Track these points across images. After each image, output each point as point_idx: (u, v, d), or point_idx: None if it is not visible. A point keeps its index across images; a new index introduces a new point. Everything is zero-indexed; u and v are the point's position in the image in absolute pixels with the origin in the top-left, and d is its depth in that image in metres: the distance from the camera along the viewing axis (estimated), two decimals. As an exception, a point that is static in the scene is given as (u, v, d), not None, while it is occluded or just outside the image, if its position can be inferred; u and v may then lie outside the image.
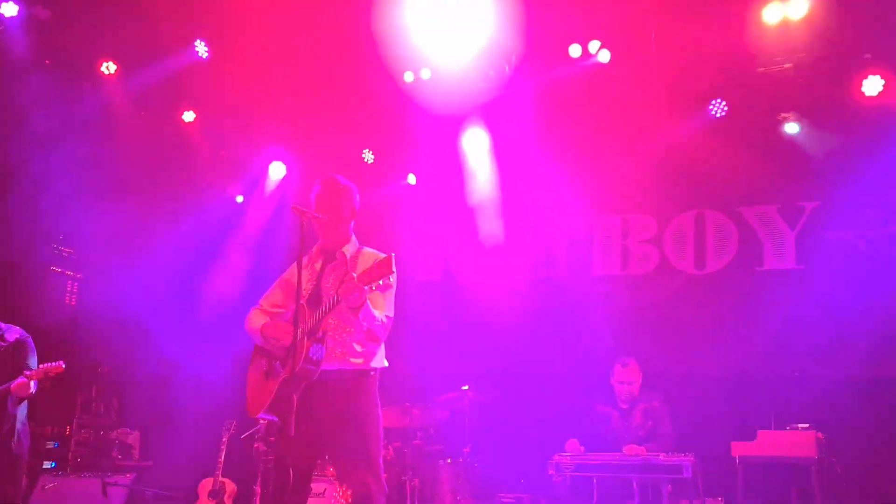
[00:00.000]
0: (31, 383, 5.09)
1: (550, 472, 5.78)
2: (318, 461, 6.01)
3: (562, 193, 7.90)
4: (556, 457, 5.82)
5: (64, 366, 5.20)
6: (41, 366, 5.18)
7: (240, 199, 8.75)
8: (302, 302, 3.88)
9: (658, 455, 5.60)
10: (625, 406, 6.23)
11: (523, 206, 8.11)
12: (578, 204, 7.95)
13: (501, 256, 8.16)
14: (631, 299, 7.67)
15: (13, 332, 5.35)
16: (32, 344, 5.38)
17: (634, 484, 5.63)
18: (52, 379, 5.27)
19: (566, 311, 7.82)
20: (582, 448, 5.95)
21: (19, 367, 5.15)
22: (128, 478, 7.17)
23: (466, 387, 6.80)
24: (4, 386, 5.08)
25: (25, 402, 5.31)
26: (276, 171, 8.53)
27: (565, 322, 7.76)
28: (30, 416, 5.40)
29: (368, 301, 3.87)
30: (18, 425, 5.25)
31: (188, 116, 8.02)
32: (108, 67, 7.30)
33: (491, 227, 8.19)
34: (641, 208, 7.84)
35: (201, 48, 7.22)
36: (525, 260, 8.12)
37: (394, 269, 3.63)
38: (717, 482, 5.97)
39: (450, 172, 8.15)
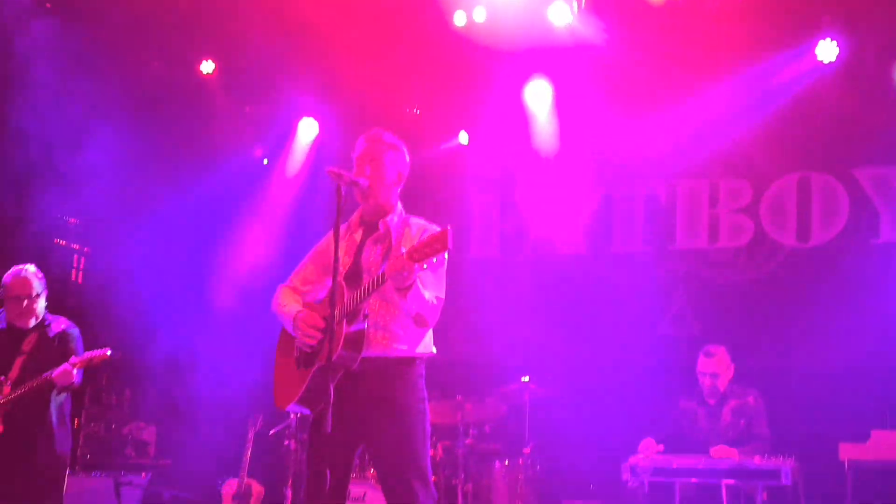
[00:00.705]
0: (75, 372, 5.21)
1: (625, 476, 5.75)
2: (357, 461, 6.13)
3: (638, 154, 7.80)
4: (632, 459, 5.80)
5: (110, 353, 5.33)
6: (86, 353, 5.30)
7: (266, 161, 8.84)
8: (340, 279, 3.89)
9: (752, 458, 5.54)
10: (712, 402, 6.17)
11: (592, 170, 8.04)
12: (658, 166, 7.84)
13: (567, 229, 8.11)
14: (720, 278, 7.58)
15: (59, 324, 5.49)
16: (80, 335, 5.53)
17: (724, 491, 5.58)
18: (98, 367, 5.42)
19: (643, 291, 7.75)
20: (660, 447, 5.92)
21: (66, 359, 5.28)
22: (143, 477, 7.35)
23: (527, 378, 6.79)
24: (46, 375, 5.18)
25: (68, 395, 5.44)
26: (308, 128, 8.58)
27: (642, 304, 7.69)
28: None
29: (418, 280, 3.87)
30: (58, 422, 5.37)
31: (207, 67, 8.09)
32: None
33: (555, 194, 8.15)
34: (734, 171, 7.70)
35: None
36: (595, 233, 8.06)
37: (450, 245, 3.55)
38: (822, 490, 5.93)
39: (508, 130, 8.10)
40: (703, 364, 6.18)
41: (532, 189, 8.22)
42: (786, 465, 5.41)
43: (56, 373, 5.16)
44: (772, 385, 6.47)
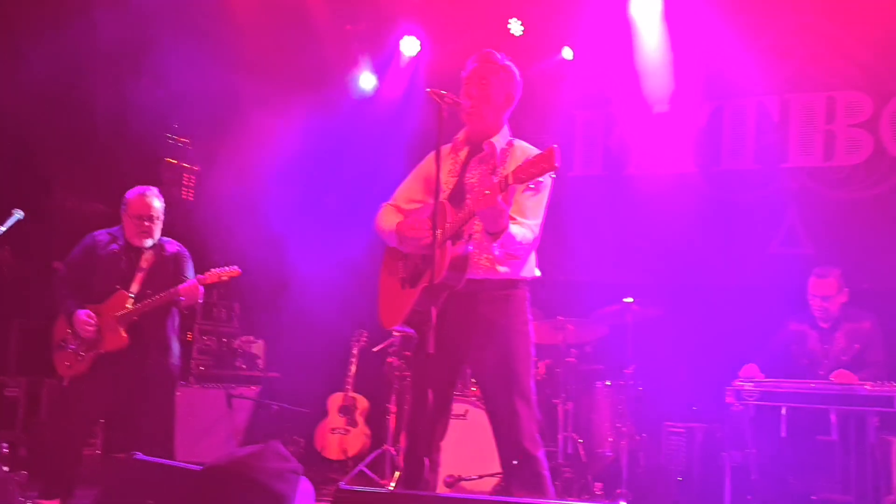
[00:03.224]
0: (201, 289, 5.37)
1: (729, 399, 5.66)
2: (460, 380, 6.19)
3: (748, 65, 7.47)
4: (737, 382, 5.69)
5: (240, 271, 5.46)
6: (214, 270, 5.42)
7: (369, 82, 8.80)
8: (443, 199, 3.87)
9: (864, 384, 5.37)
10: (825, 326, 5.98)
11: (701, 84, 7.75)
12: (770, 79, 7.51)
13: (673, 145, 7.89)
14: (835, 196, 7.26)
15: (173, 245, 5.63)
16: (191, 258, 5.67)
17: (833, 417, 5.44)
18: (227, 283, 5.56)
19: (753, 210, 7.52)
20: (762, 375, 5.79)
21: (180, 281, 5.43)
22: (253, 390, 7.61)
23: (630, 299, 6.67)
24: (173, 290, 5.31)
25: (178, 311, 5.60)
26: (409, 47, 8.50)
27: (751, 223, 7.46)
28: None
29: (520, 203, 3.81)
30: (172, 336, 5.56)
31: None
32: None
33: (662, 110, 7.91)
34: (853, 84, 7.30)
35: None
36: (703, 149, 7.81)
37: (557, 164, 3.45)
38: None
39: (612, 45, 7.85)
40: (815, 286, 5.98)
41: (637, 105, 7.99)
42: (900, 392, 5.21)
43: (183, 287, 5.30)
44: (888, 309, 6.23)
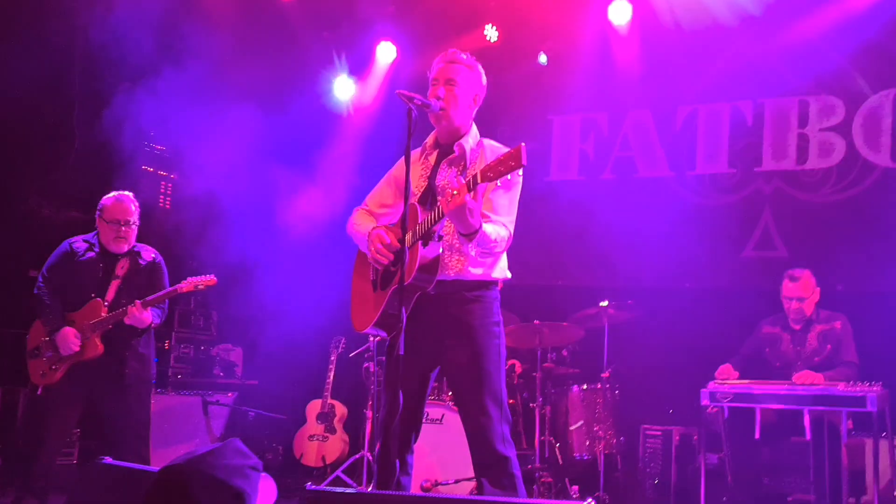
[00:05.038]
0: (148, 318, 5.31)
1: (704, 401, 5.68)
2: (436, 384, 6.19)
3: (723, 70, 7.53)
4: (712, 384, 5.72)
5: (216, 280, 5.45)
6: (190, 278, 5.41)
7: (346, 87, 8.80)
8: (413, 201, 3.87)
9: (836, 385, 5.40)
10: (798, 327, 6.02)
11: (676, 88, 7.80)
12: (744, 84, 7.56)
13: (650, 151, 7.93)
14: (809, 199, 7.32)
15: (149, 252, 5.61)
16: (165, 264, 5.65)
17: (806, 417, 5.46)
18: (203, 292, 5.54)
19: (727, 212, 7.57)
20: (736, 374, 5.83)
21: (155, 288, 5.42)
22: (230, 397, 7.59)
23: (605, 303, 6.70)
24: (120, 310, 5.29)
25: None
26: (386, 53, 8.51)
27: (726, 226, 7.51)
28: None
29: (492, 201, 3.83)
30: (145, 344, 5.52)
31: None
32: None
33: (637, 116, 7.96)
34: (825, 88, 7.37)
35: None
36: (678, 154, 7.86)
37: (524, 162, 3.45)
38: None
39: (589, 50, 7.89)
40: (788, 288, 6.02)
41: (613, 110, 8.03)
42: (871, 392, 5.23)
43: (131, 308, 5.24)
44: (860, 310, 6.27)
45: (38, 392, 5.35)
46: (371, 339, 6.72)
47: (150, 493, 2.17)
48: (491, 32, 8.15)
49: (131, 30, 7.36)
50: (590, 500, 2.80)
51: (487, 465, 3.82)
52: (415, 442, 4.02)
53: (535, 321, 6.71)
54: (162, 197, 8.85)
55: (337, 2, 8.20)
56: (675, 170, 7.85)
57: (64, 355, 5.25)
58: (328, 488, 2.76)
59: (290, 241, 8.15)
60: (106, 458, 3.23)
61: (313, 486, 2.59)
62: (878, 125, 7.17)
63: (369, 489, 5.94)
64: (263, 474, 2.38)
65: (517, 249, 4.07)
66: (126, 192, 5.57)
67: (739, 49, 7.43)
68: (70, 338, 5.25)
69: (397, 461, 3.85)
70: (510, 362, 6.86)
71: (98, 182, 7.06)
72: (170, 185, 8.93)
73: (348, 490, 2.67)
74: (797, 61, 7.32)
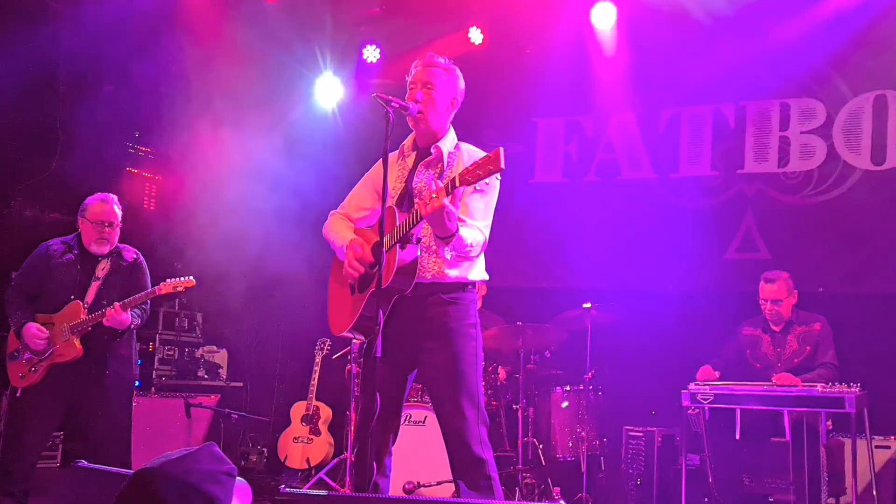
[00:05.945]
0: (127, 320, 5.28)
1: (685, 402, 5.71)
2: (419, 386, 6.19)
3: (706, 74, 7.55)
4: (693, 386, 5.74)
5: (195, 281, 5.41)
6: (169, 280, 5.37)
7: (330, 90, 8.80)
8: (391, 204, 3.88)
9: (815, 386, 5.43)
10: (778, 329, 6.05)
11: (659, 91, 7.83)
12: (726, 87, 7.59)
13: (633, 153, 7.95)
14: (790, 202, 7.35)
15: (130, 253, 5.57)
16: (146, 265, 5.62)
17: (786, 418, 5.49)
18: (182, 294, 5.48)
19: (709, 215, 7.59)
20: (717, 374, 5.85)
21: (136, 289, 5.40)
22: (213, 399, 7.57)
23: (588, 304, 6.72)
24: (98, 312, 5.26)
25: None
26: (370, 56, 8.52)
27: (709, 229, 7.53)
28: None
29: (468, 205, 3.83)
30: (127, 345, 5.49)
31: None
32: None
33: (620, 119, 7.98)
34: (806, 91, 7.41)
35: None
36: (661, 157, 7.88)
37: (502, 166, 3.44)
38: (889, 418, 5.78)
39: (573, 53, 7.91)
40: (765, 290, 6.05)
41: (596, 113, 8.05)
42: (850, 394, 5.27)
43: (110, 311, 5.21)
44: (841, 311, 6.31)
45: (18, 394, 5.33)
46: (354, 341, 6.71)
47: (121, 496, 2.17)
48: (475, 35, 8.17)
49: (115, 32, 7.36)
50: (561, 502, 2.81)
51: (464, 467, 3.82)
52: (393, 444, 4.02)
53: (518, 323, 6.72)
54: (146, 199, 8.84)
55: (322, 4, 8.19)
56: (659, 172, 7.88)
57: (35, 350, 5.22)
58: (298, 491, 2.76)
59: (274, 242, 8.13)
60: (81, 461, 3.22)
61: (286, 489, 2.59)
62: (859, 128, 7.21)
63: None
64: (239, 480, 2.37)
65: (501, 251, 4.09)
66: (110, 194, 5.55)
67: (722, 52, 7.44)
68: (32, 330, 5.22)
69: (374, 463, 3.85)
70: (494, 367, 6.86)
71: (82, 184, 7.05)
72: (154, 186, 8.91)
73: (319, 492, 2.68)
74: (778, 64, 7.35)
